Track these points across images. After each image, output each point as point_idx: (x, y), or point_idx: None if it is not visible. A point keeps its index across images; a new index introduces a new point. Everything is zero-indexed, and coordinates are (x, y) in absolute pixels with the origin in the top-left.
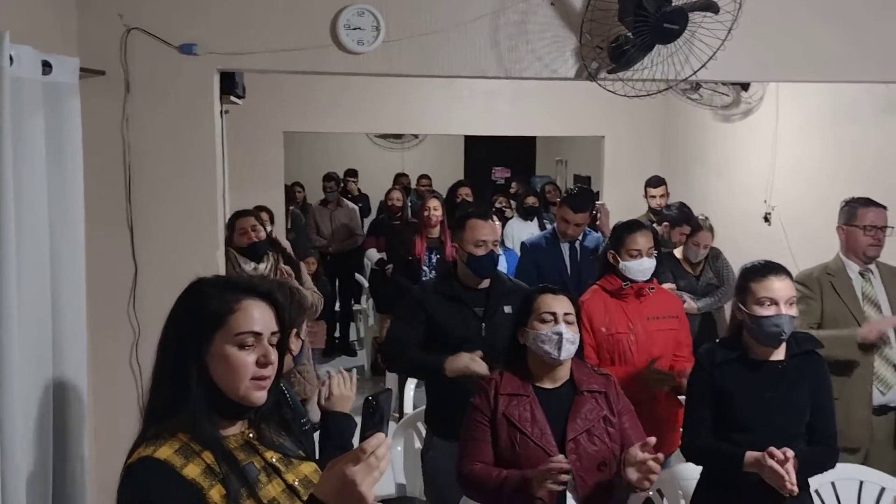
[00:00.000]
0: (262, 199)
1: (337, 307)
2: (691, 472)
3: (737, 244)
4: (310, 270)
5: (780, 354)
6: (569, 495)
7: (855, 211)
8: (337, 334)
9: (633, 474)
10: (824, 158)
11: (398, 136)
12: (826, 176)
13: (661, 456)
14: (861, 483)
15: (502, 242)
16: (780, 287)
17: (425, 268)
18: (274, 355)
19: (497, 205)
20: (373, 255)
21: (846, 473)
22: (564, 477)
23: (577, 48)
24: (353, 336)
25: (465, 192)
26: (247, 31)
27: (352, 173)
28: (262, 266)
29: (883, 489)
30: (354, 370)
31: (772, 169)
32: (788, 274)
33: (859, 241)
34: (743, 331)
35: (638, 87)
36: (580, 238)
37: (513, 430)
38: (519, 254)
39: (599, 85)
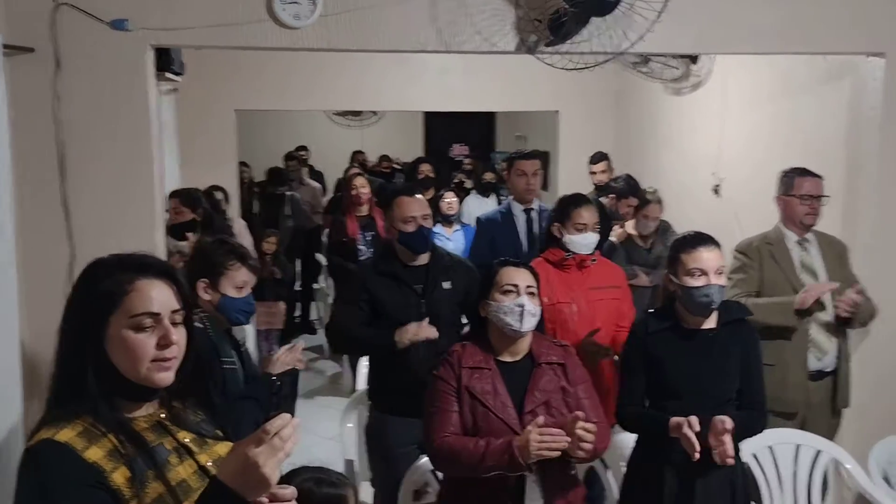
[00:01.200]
0: (215, 178)
1: (298, 286)
2: (632, 441)
3: (687, 216)
4: (269, 249)
5: (711, 323)
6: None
7: (791, 181)
8: (298, 313)
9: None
10: (768, 130)
11: (357, 114)
12: (771, 147)
13: (589, 425)
14: (798, 447)
15: (459, 219)
16: (709, 257)
17: (362, 247)
18: (176, 335)
19: (455, 180)
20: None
21: (783, 437)
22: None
23: (516, 21)
24: (314, 315)
25: (427, 169)
26: (181, 6)
27: (301, 148)
28: (182, 244)
29: (819, 452)
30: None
31: (720, 141)
32: (717, 244)
33: (796, 210)
34: (675, 301)
35: (576, 59)
36: (537, 209)
37: (475, 403)
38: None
39: (537, 58)
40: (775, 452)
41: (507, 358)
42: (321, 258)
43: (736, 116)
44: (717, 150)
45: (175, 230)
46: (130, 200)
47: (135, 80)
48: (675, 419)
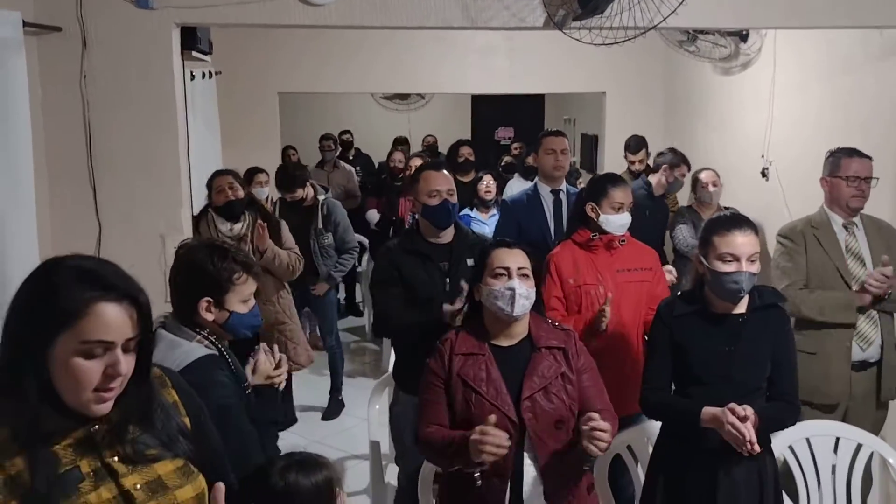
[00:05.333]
0: (258, 160)
1: None
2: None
3: (736, 200)
4: None
5: (741, 308)
6: (525, 455)
7: (839, 161)
8: (343, 295)
9: (586, 443)
10: (821, 110)
11: (404, 97)
12: (822, 128)
13: (602, 424)
14: (837, 439)
15: (496, 203)
16: (742, 243)
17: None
18: (125, 365)
19: (503, 163)
20: (373, 216)
21: (821, 429)
22: (502, 446)
23: None
24: (358, 297)
25: (467, 152)
26: None
27: (345, 132)
28: (237, 226)
29: (860, 445)
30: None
31: (769, 123)
32: (754, 229)
33: (842, 192)
34: (704, 284)
35: (605, 35)
36: (565, 191)
37: (468, 391)
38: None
39: (565, 34)
40: (813, 445)
41: (503, 342)
42: (363, 239)
43: (787, 96)
44: (766, 132)
45: (229, 208)
46: (156, 178)
47: (160, 59)
48: (709, 409)
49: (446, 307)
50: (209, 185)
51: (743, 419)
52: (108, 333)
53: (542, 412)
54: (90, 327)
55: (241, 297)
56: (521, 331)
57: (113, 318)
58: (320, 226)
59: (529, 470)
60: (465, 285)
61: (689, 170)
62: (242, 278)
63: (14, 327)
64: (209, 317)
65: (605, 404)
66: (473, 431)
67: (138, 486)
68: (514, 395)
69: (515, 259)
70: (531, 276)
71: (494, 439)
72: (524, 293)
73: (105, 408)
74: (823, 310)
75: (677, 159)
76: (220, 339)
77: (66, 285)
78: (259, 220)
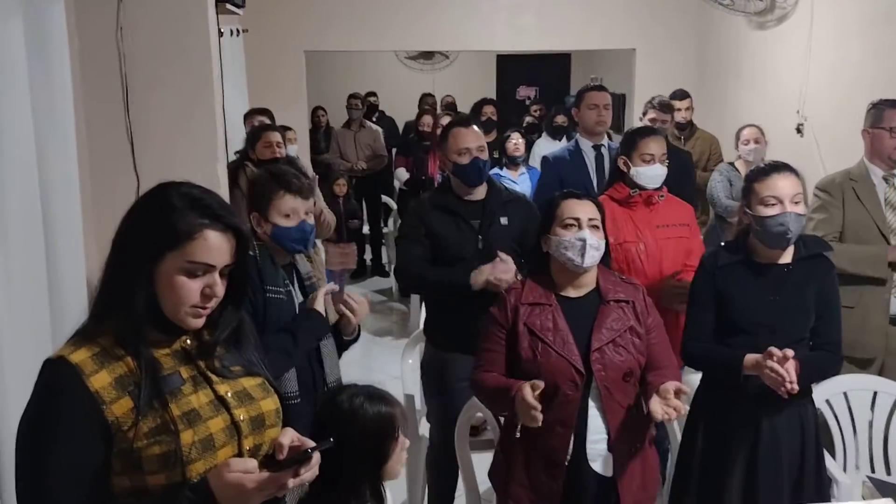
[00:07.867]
0: (285, 120)
1: (365, 230)
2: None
3: (770, 157)
4: (340, 192)
5: (786, 258)
6: (591, 404)
7: (881, 113)
8: (369, 256)
9: (656, 406)
10: (858, 64)
11: (428, 57)
12: (860, 83)
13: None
14: (875, 394)
15: (526, 161)
16: (784, 185)
17: None
18: (220, 287)
19: (525, 123)
20: (402, 174)
21: (859, 384)
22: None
23: None
24: (385, 258)
25: (490, 111)
26: None
27: (371, 94)
28: None
29: None
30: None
31: (805, 78)
32: (794, 172)
33: (885, 144)
34: (749, 234)
35: None
36: (607, 146)
37: (534, 340)
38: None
39: None
40: (850, 399)
41: (570, 293)
42: (389, 201)
43: (823, 50)
44: (801, 87)
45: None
46: (192, 133)
47: (195, 11)
48: (751, 356)
49: (474, 276)
50: (256, 136)
51: (783, 360)
52: (211, 257)
53: (612, 364)
54: (197, 250)
55: (281, 212)
56: (589, 282)
57: (217, 245)
58: None
59: (595, 421)
60: (502, 256)
61: (668, 115)
62: (279, 194)
63: (128, 241)
64: (259, 230)
65: (672, 362)
66: (520, 387)
67: (229, 394)
68: (582, 347)
69: (586, 210)
70: (601, 227)
71: (531, 410)
72: (594, 244)
73: (199, 322)
74: (855, 262)
75: (647, 106)
76: (267, 251)
77: (180, 209)
78: None
